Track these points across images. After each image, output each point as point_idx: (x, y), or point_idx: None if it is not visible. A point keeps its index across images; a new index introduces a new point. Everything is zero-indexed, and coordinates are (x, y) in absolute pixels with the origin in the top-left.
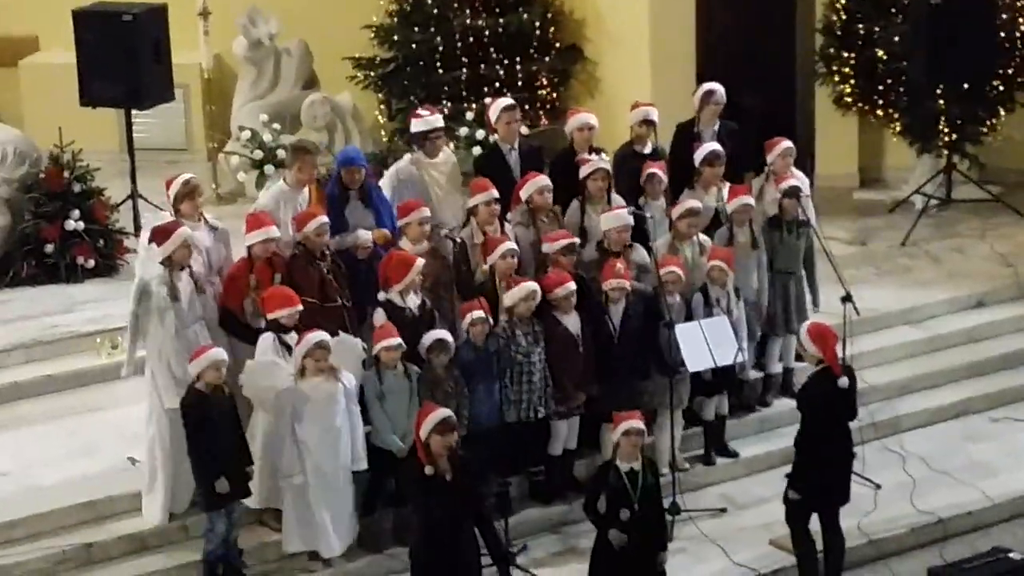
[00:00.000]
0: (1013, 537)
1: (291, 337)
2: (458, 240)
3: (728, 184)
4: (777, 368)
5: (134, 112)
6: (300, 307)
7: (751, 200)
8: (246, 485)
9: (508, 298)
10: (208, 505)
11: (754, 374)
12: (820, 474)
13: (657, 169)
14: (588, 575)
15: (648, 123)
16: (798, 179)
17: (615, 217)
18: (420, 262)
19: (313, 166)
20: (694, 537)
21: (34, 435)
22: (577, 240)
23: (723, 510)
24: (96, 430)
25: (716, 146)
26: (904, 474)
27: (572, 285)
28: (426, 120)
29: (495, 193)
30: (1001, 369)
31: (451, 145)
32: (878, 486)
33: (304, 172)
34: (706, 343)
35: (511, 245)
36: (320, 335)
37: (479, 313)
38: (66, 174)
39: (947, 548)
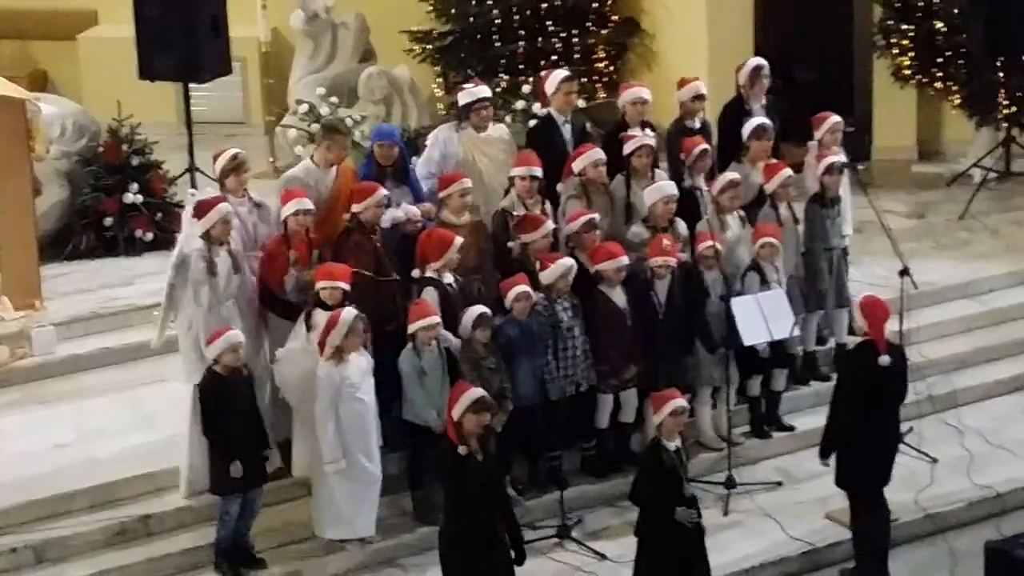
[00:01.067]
0: None
1: (321, 316)
2: (500, 210)
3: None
4: (818, 344)
5: (192, 85)
6: (344, 285)
7: (790, 172)
8: (263, 471)
9: (546, 276)
10: (221, 489)
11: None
12: (852, 447)
13: (706, 145)
14: (637, 557)
15: (699, 98)
16: (839, 155)
17: (657, 189)
18: (459, 240)
19: (342, 147)
20: (750, 511)
21: (93, 407)
22: (597, 216)
23: (779, 484)
24: (155, 402)
25: (764, 120)
26: (962, 448)
27: (624, 259)
28: (470, 92)
29: (536, 170)
30: None
31: (508, 119)
32: (935, 460)
33: (332, 152)
34: (763, 316)
35: (552, 226)
36: (353, 310)
37: (523, 288)
38: (125, 147)
39: (1005, 522)
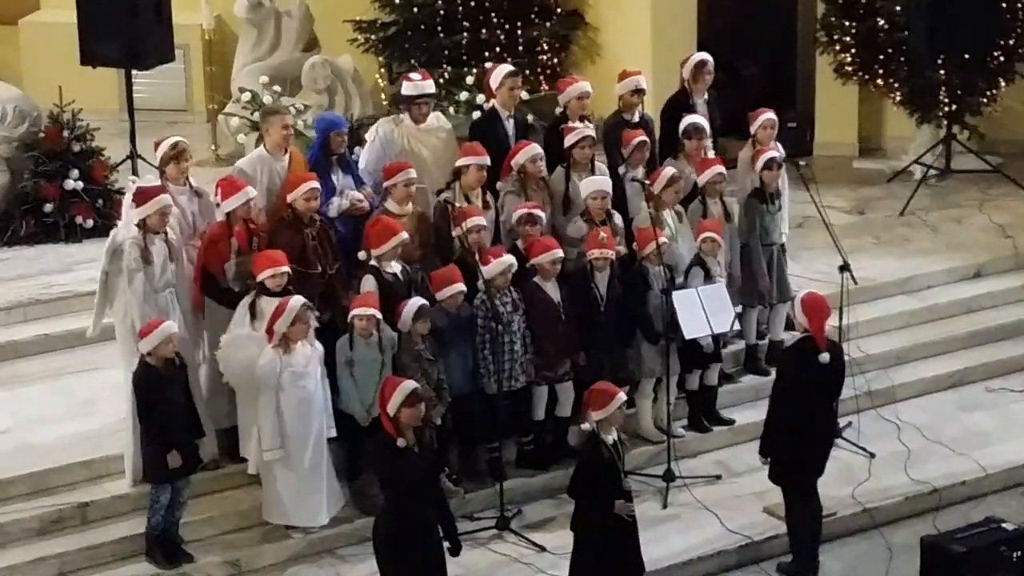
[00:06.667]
0: (1006, 507)
1: (266, 303)
2: (454, 204)
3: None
4: (758, 338)
5: (134, 72)
6: (286, 269)
7: (722, 169)
8: (196, 458)
9: (486, 271)
10: (156, 478)
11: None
12: (790, 442)
13: (645, 137)
14: (577, 557)
15: (638, 92)
16: (778, 149)
17: (590, 183)
18: (404, 234)
19: (282, 126)
20: (688, 504)
21: (32, 394)
22: (539, 211)
23: (717, 477)
24: (93, 389)
25: (698, 120)
26: (899, 443)
27: (559, 252)
28: (416, 85)
29: (488, 160)
30: (998, 339)
31: (451, 110)
32: (872, 455)
33: (274, 133)
34: (703, 310)
35: (479, 220)
36: (301, 298)
37: (459, 286)
38: (66, 133)
39: (941, 517)
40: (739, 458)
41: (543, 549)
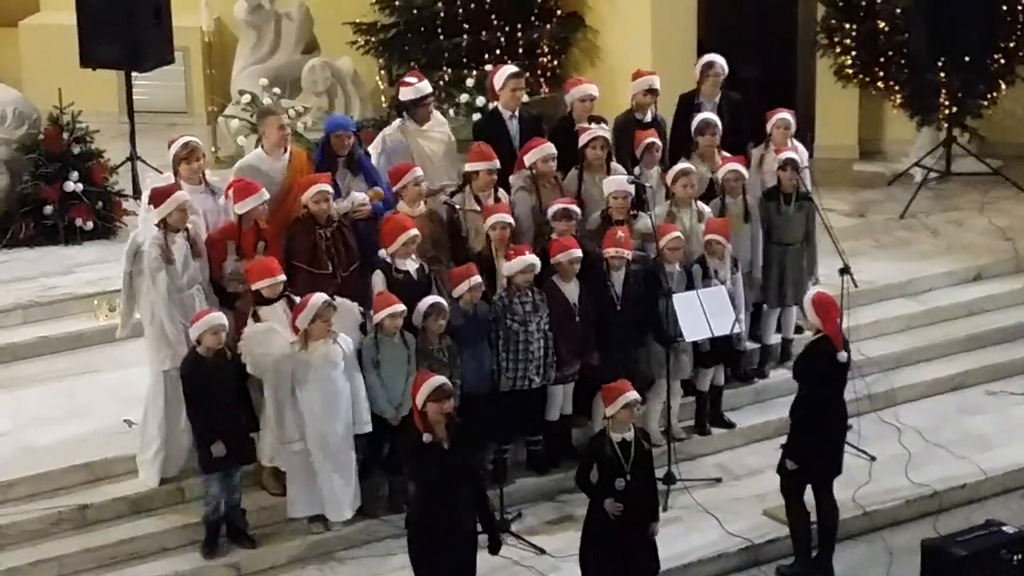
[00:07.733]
0: (1007, 510)
1: (268, 311)
2: (456, 206)
3: (721, 154)
4: (774, 339)
5: (134, 74)
6: (282, 277)
7: (740, 167)
8: (245, 450)
9: (506, 269)
10: (204, 468)
11: (750, 345)
12: (815, 445)
13: (655, 138)
14: (581, 545)
15: (652, 92)
16: (796, 150)
17: (611, 183)
18: (413, 231)
19: (278, 126)
20: (689, 506)
21: (31, 396)
22: (574, 206)
23: (718, 480)
24: (93, 392)
25: (709, 115)
26: (900, 446)
27: (577, 252)
28: (416, 88)
29: (497, 163)
30: (998, 342)
31: (451, 112)
32: (873, 458)
33: (270, 135)
34: (703, 313)
35: (503, 218)
36: (323, 296)
37: (475, 280)
38: (65, 136)
39: (941, 520)
40: (739, 461)
41: (543, 552)
